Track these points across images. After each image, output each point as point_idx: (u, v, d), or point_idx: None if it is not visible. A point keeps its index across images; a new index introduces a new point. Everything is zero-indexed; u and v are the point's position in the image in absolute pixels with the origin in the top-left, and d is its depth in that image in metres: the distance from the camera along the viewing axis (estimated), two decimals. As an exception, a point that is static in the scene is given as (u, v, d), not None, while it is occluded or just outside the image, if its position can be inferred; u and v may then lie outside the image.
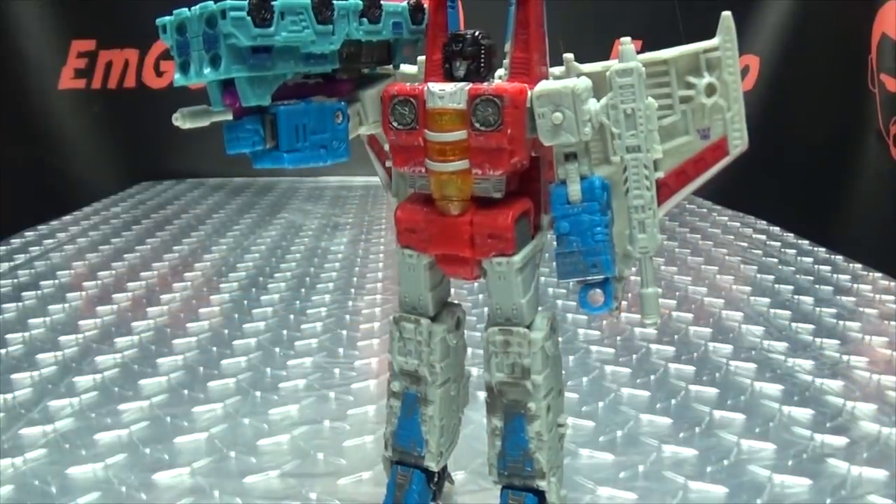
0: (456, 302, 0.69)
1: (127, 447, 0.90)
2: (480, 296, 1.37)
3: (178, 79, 0.52)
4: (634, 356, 1.13)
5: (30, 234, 1.97)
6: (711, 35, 0.61)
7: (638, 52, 0.59)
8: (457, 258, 0.61)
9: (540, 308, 0.64)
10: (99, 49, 2.76)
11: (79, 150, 2.75)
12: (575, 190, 0.58)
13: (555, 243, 0.61)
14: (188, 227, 2.05)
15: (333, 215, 2.19)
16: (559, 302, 1.37)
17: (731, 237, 1.91)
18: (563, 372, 0.89)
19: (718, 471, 0.85)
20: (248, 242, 1.86)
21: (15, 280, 1.56)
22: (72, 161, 2.73)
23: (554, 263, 0.61)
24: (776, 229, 2.00)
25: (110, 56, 2.77)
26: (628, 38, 0.58)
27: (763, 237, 1.91)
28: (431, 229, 0.61)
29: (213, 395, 1.04)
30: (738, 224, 2.05)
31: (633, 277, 0.61)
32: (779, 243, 1.85)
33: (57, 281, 1.55)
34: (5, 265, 1.67)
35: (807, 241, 1.87)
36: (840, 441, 0.91)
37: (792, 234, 1.94)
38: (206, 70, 0.51)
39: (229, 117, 0.55)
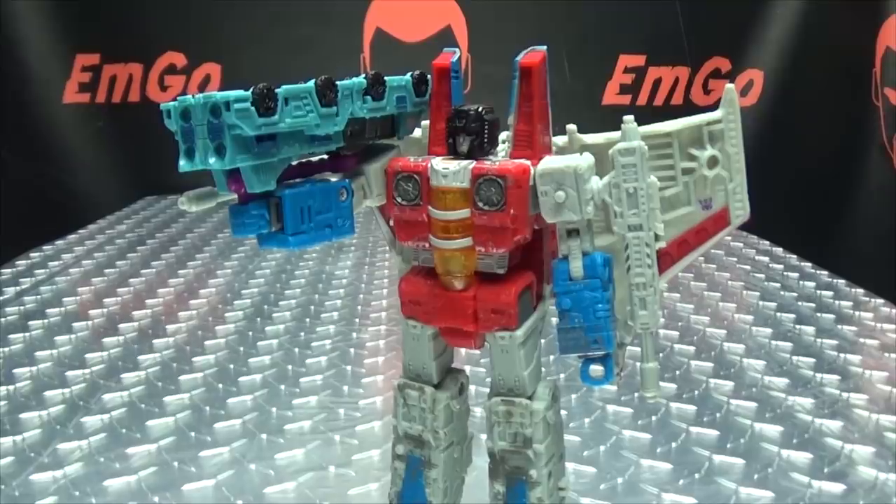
0: (459, 368, 0.69)
1: (136, 495, 0.91)
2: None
3: (183, 165, 0.52)
4: (636, 394, 1.13)
5: (35, 256, 1.98)
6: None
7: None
8: (460, 331, 0.62)
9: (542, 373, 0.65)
10: (103, 63, 2.76)
11: (83, 164, 2.76)
12: (577, 266, 0.59)
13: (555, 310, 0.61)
14: (193, 248, 2.06)
15: (338, 236, 2.18)
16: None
17: (734, 259, 1.91)
18: (566, 412, 0.90)
19: (716, 522, 0.86)
20: (252, 266, 1.87)
21: (21, 307, 1.57)
22: (76, 174, 2.74)
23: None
24: (779, 250, 2.01)
25: (114, 70, 2.77)
26: (631, 117, 0.58)
27: (766, 259, 1.92)
28: (435, 303, 0.62)
29: (220, 437, 1.04)
30: (741, 244, 2.05)
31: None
32: (781, 266, 1.86)
33: (63, 308, 1.57)
34: (11, 290, 1.69)
35: (809, 264, 1.87)
36: (837, 488, 0.92)
37: (795, 256, 1.95)
38: (212, 160, 0.50)
39: (235, 198, 0.55)
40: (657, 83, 2.87)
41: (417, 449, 0.68)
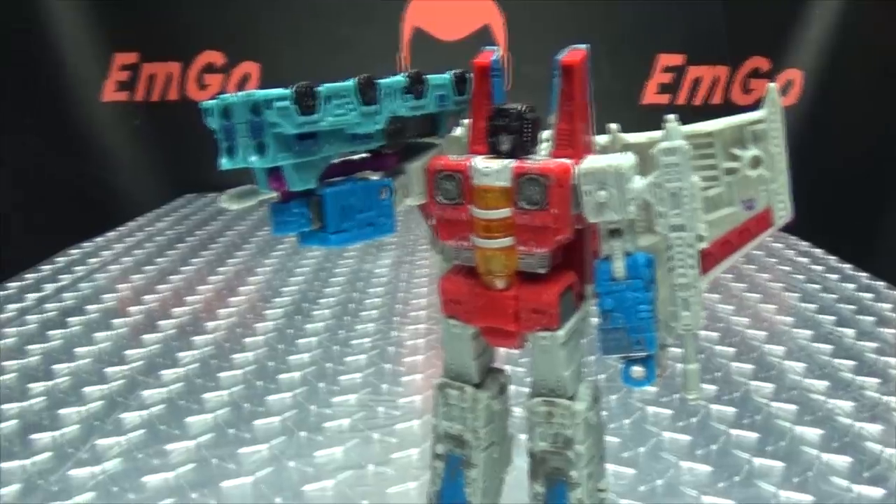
0: (499, 367, 0.69)
1: (175, 492, 0.92)
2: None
3: (223, 163, 0.52)
4: (675, 396, 1.13)
5: (74, 252, 2.00)
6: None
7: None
8: (501, 330, 0.62)
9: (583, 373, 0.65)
10: (142, 62, 2.78)
11: (123, 162, 2.77)
12: (619, 267, 0.59)
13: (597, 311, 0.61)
14: (232, 245, 2.07)
15: (377, 234, 2.18)
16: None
17: (775, 261, 1.90)
18: (606, 413, 0.90)
19: (756, 527, 0.85)
20: (291, 264, 1.87)
21: (61, 304, 1.59)
22: (116, 173, 2.75)
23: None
24: (819, 251, 1.99)
25: (153, 69, 2.79)
26: (674, 116, 0.58)
27: (806, 260, 1.90)
28: (476, 302, 0.61)
29: (259, 435, 1.05)
30: (781, 245, 2.03)
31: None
32: (822, 267, 1.84)
33: (102, 305, 1.58)
34: (51, 287, 1.70)
35: (849, 266, 1.85)
36: (877, 493, 0.91)
37: (835, 258, 1.93)
38: (253, 158, 0.51)
39: (276, 196, 0.55)
40: (697, 82, 2.86)
41: (457, 448, 0.67)
